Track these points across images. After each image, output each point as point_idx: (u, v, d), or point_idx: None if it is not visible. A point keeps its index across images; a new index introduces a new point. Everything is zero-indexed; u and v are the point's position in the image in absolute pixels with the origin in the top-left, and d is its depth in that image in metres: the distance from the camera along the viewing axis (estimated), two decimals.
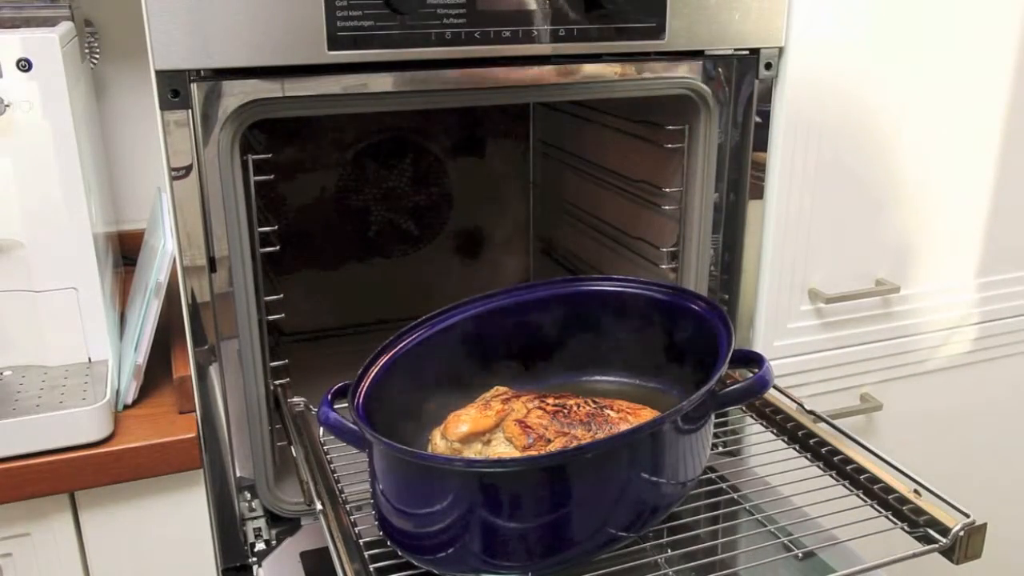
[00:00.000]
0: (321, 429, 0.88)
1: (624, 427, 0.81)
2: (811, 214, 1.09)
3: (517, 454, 0.78)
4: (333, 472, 0.86)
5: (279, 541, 0.95)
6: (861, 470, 0.85)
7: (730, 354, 0.80)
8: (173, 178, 0.85)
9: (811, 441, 0.91)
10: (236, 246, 0.89)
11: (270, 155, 0.96)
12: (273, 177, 0.96)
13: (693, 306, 0.91)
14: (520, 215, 1.55)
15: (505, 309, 0.94)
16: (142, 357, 0.96)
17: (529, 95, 1.02)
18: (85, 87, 1.12)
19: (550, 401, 0.83)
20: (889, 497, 0.81)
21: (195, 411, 0.93)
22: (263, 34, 0.81)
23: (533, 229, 1.55)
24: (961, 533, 0.75)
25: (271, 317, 0.98)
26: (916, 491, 0.80)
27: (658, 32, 0.94)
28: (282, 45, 0.82)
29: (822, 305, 1.14)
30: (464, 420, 0.82)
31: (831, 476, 0.87)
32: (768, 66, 1.02)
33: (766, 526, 0.85)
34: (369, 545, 0.77)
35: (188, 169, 0.85)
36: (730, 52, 1.00)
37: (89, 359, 0.99)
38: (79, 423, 0.88)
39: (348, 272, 1.44)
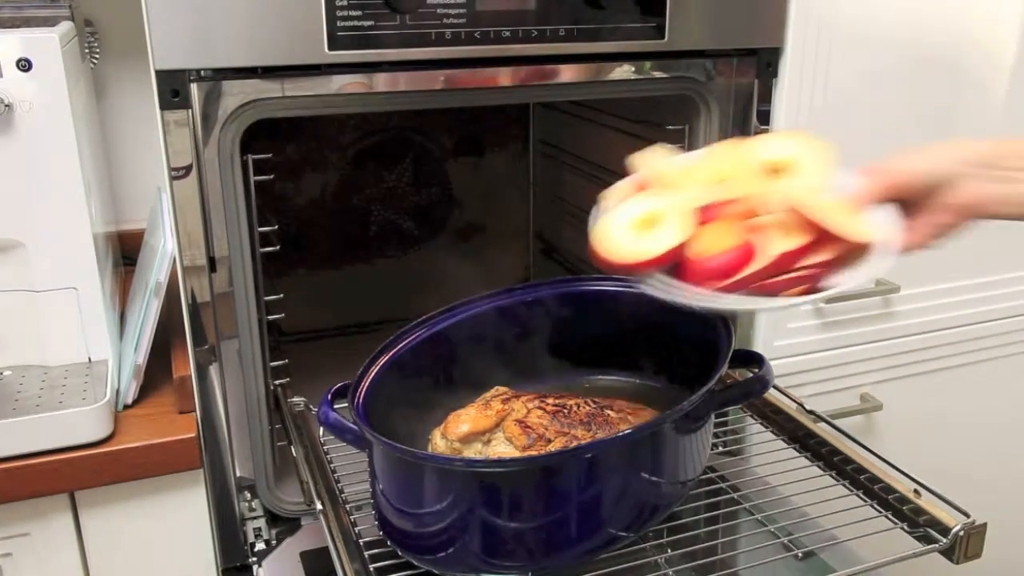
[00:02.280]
0: (321, 429, 0.88)
1: (624, 427, 0.81)
2: None
3: (517, 454, 0.78)
4: (333, 472, 0.86)
5: (279, 541, 0.95)
6: (861, 470, 0.85)
7: (730, 354, 0.80)
8: (173, 178, 0.85)
9: (811, 441, 0.91)
10: (236, 246, 0.89)
11: (270, 155, 0.96)
12: (273, 177, 0.96)
13: None
14: (520, 215, 1.55)
15: (505, 309, 0.94)
16: (142, 357, 0.96)
17: (529, 95, 1.02)
18: (85, 87, 1.12)
19: (550, 401, 0.83)
20: (889, 497, 0.82)
21: (195, 411, 0.93)
22: (263, 34, 0.81)
23: (533, 229, 1.55)
24: (961, 533, 0.75)
25: (271, 317, 0.98)
26: (916, 491, 0.80)
27: (658, 32, 0.94)
28: (282, 45, 0.82)
29: (822, 305, 1.14)
30: (464, 420, 0.82)
31: (831, 476, 0.87)
32: (768, 66, 1.02)
33: (766, 526, 0.85)
34: (369, 545, 0.77)
35: (188, 169, 0.85)
36: (730, 52, 1.00)
37: (89, 359, 0.99)
38: (79, 423, 0.88)
39: (348, 272, 1.44)
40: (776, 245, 0.70)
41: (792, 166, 0.75)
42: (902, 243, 0.71)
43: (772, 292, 0.70)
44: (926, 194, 0.71)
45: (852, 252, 0.71)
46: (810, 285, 0.70)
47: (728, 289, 0.70)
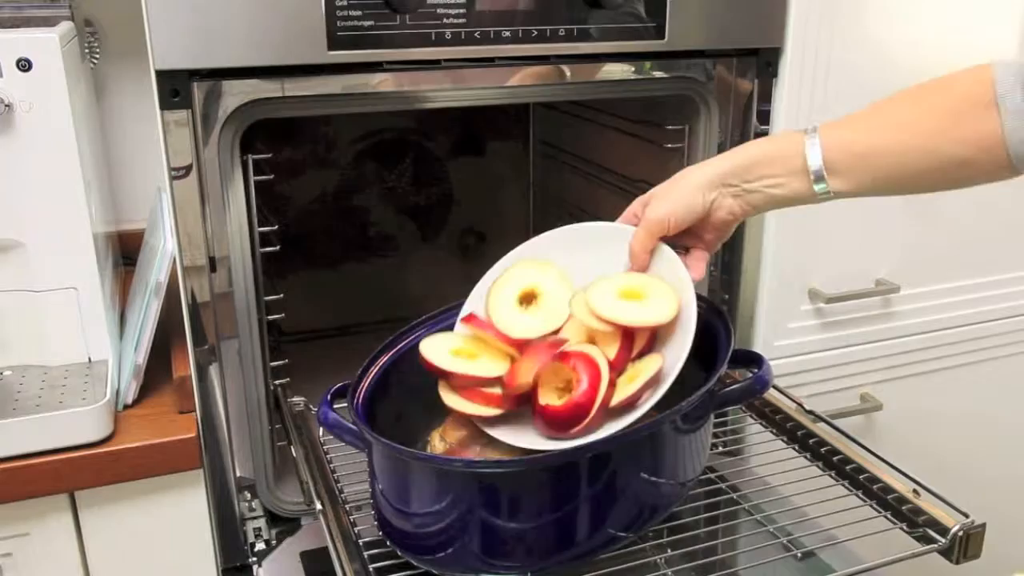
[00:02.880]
0: (321, 429, 0.88)
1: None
2: (811, 214, 1.09)
3: (516, 455, 0.78)
4: (333, 472, 0.86)
5: (279, 541, 0.95)
6: (861, 470, 0.85)
7: (730, 354, 0.80)
8: (173, 178, 0.85)
9: (811, 441, 0.91)
10: (236, 246, 0.89)
11: (270, 155, 0.96)
12: (273, 177, 0.96)
13: None
14: (520, 215, 1.55)
15: None
16: (142, 357, 0.96)
17: (529, 95, 1.02)
18: (85, 87, 1.12)
19: None
20: (888, 497, 0.82)
21: (195, 411, 0.93)
22: (263, 34, 0.81)
23: (533, 229, 1.55)
24: (960, 533, 0.75)
25: (271, 317, 0.98)
26: (915, 491, 0.80)
27: (658, 32, 0.94)
28: (282, 45, 0.82)
29: (822, 305, 1.14)
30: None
31: (831, 476, 0.87)
32: (768, 66, 1.02)
33: (766, 526, 0.85)
34: (369, 545, 0.77)
35: (188, 169, 0.85)
36: (730, 52, 1.00)
37: (89, 359, 0.99)
38: (79, 423, 0.88)
39: (348, 272, 1.44)
40: (604, 354, 0.75)
41: (538, 291, 0.82)
42: (693, 279, 0.78)
43: (632, 403, 0.74)
44: (691, 223, 0.79)
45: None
46: (656, 381, 0.74)
47: (597, 419, 0.73)
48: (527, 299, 0.82)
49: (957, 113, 0.70)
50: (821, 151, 0.74)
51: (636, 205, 0.83)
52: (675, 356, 0.74)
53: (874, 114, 0.75)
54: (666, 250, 0.80)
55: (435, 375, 0.79)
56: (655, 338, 0.78)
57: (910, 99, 0.74)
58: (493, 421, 0.78)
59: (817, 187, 0.75)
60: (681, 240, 0.81)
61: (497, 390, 0.77)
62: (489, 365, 0.78)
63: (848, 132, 0.75)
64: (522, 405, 0.77)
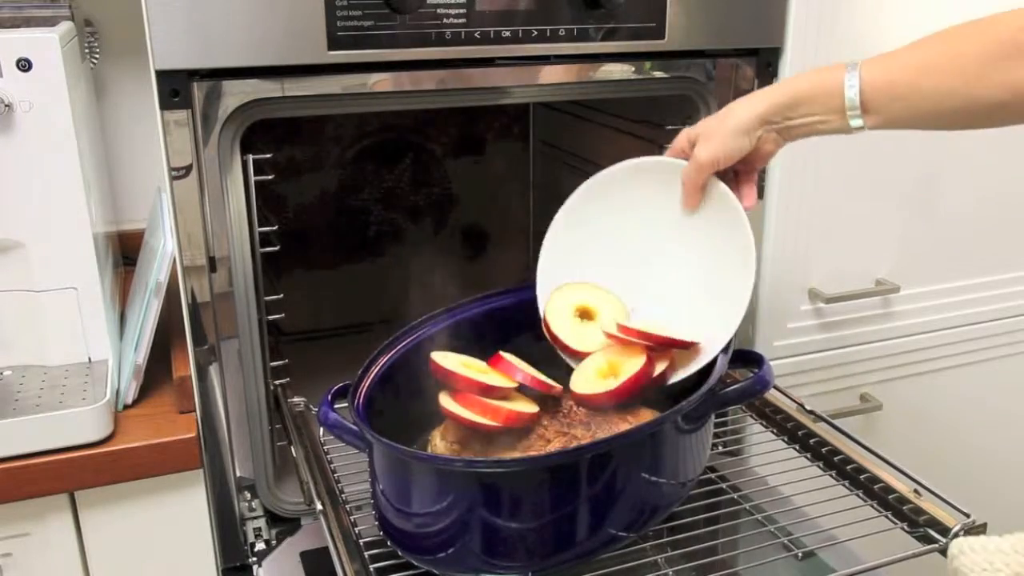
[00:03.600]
0: (321, 429, 0.88)
1: (624, 427, 0.81)
2: (811, 214, 1.09)
3: (516, 454, 0.78)
4: (333, 472, 0.86)
5: (279, 541, 0.95)
6: (861, 470, 0.85)
7: (730, 354, 0.80)
8: (173, 178, 0.85)
9: (811, 441, 0.91)
10: (236, 246, 0.89)
11: (270, 155, 0.96)
12: (273, 177, 0.96)
13: None
14: (520, 215, 1.54)
15: (505, 309, 0.94)
16: (142, 357, 0.96)
17: (529, 95, 1.02)
18: (85, 87, 1.12)
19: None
20: (889, 497, 0.82)
21: (195, 411, 0.93)
22: (263, 34, 0.81)
23: (533, 229, 1.55)
24: (961, 533, 0.75)
25: (271, 317, 0.98)
26: (916, 491, 0.80)
27: (658, 32, 0.94)
28: (282, 45, 0.82)
29: (822, 305, 1.14)
30: None
31: (831, 476, 0.87)
32: (768, 66, 1.02)
33: (766, 526, 0.85)
34: (369, 545, 0.77)
35: (188, 169, 0.85)
36: (730, 52, 1.00)
37: (89, 359, 0.99)
38: (79, 423, 0.88)
39: (348, 272, 1.44)
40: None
41: (593, 309, 0.89)
42: (745, 207, 0.83)
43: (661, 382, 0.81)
44: (739, 159, 0.83)
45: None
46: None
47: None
48: (584, 315, 0.88)
49: (998, 57, 0.71)
50: (860, 89, 0.76)
51: (683, 140, 0.85)
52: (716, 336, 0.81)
53: (914, 53, 0.76)
54: (719, 184, 0.83)
55: (440, 379, 0.80)
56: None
57: (951, 40, 0.74)
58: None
59: (854, 123, 0.77)
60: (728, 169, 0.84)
61: (503, 404, 0.78)
62: (496, 378, 0.81)
63: (888, 72, 0.76)
64: (517, 424, 0.79)
